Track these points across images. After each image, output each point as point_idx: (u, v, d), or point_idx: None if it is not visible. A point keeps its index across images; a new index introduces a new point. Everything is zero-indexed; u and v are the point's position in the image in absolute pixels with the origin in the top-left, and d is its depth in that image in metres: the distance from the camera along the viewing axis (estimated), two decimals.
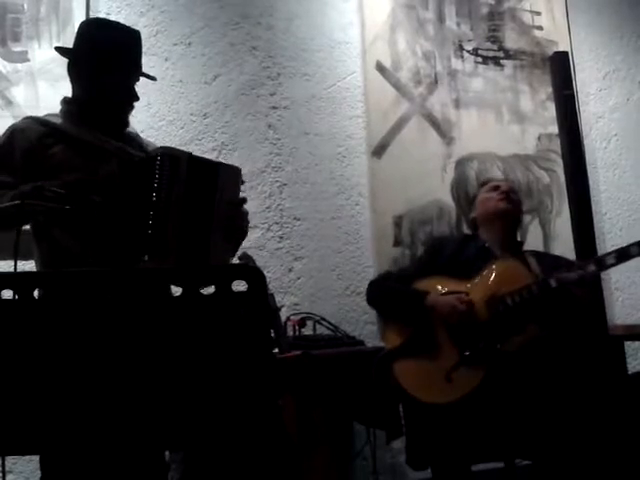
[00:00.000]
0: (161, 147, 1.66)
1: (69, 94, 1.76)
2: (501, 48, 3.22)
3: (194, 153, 1.65)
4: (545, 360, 1.83)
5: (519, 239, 2.21)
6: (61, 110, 1.74)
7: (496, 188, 2.11)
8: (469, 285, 1.95)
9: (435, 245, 2.18)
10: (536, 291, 1.85)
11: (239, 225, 1.71)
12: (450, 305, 1.88)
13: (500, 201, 2.06)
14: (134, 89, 1.73)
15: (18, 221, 1.41)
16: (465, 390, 1.79)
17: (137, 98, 1.74)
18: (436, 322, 1.90)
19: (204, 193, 1.61)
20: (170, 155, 1.58)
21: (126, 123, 1.76)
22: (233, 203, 1.68)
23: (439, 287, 1.95)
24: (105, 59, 1.66)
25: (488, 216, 2.08)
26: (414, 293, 1.96)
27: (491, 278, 1.94)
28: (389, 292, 2.07)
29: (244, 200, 1.72)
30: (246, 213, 1.73)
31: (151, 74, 1.79)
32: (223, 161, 1.70)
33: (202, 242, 1.61)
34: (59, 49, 1.79)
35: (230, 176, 1.68)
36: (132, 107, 1.75)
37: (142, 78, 1.78)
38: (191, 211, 1.59)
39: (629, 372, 2.72)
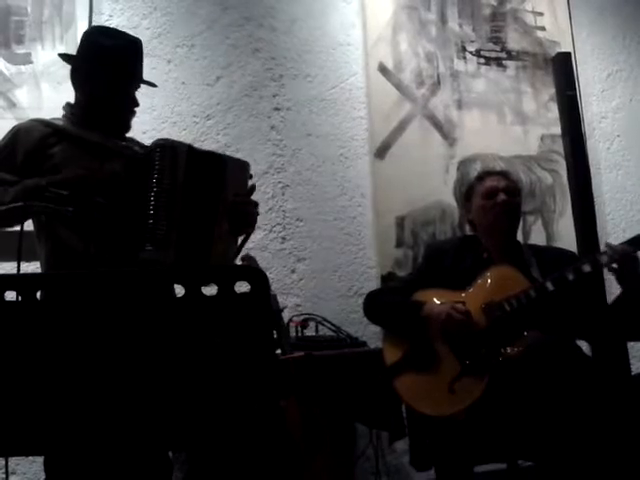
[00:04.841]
0: (160, 139, 1.67)
1: (72, 97, 1.78)
2: (503, 49, 3.22)
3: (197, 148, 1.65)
4: (547, 363, 1.82)
5: (518, 238, 2.13)
6: (64, 115, 1.76)
7: (493, 193, 2.00)
8: (464, 294, 1.93)
9: (432, 254, 2.12)
10: (533, 295, 1.84)
11: (245, 214, 1.69)
12: (446, 314, 1.85)
13: (498, 216, 1.97)
14: (134, 96, 1.75)
15: (20, 220, 1.42)
16: (469, 400, 1.77)
17: (137, 104, 1.77)
18: (434, 333, 1.88)
19: (208, 184, 1.61)
20: (170, 146, 1.59)
21: (128, 127, 1.78)
22: (240, 195, 1.68)
23: (435, 299, 1.93)
24: (106, 67, 1.68)
25: (486, 228, 2.02)
26: (410, 304, 1.94)
27: (487, 285, 1.92)
28: (385, 305, 2.04)
29: (251, 190, 1.71)
30: (255, 204, 1.72)
31: (154, 76, 1.82)
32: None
33: (205, 233, 1.60)
34: (62, 56, 1.82)
35: (237, 169, 1.68)
36: (134, 113, 1.78)
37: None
38: (193, 201, 1.58)
39: (633, 373, 2.71)
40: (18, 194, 1.52)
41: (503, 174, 2.09)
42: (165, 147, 1.58)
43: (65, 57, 1.81)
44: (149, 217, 1.53)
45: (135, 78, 1.76)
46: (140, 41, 1.79)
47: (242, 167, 1.70)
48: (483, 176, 2.08)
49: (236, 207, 1.65)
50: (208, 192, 1.60)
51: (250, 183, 1.72)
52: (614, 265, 1.83)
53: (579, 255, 2.29)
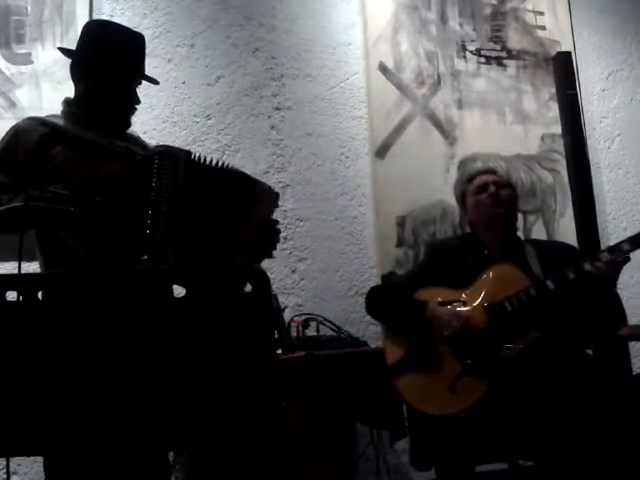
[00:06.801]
0: (161, 145, 1.65)
1: (72, 95, 1.76)
2: (504, 48, 3.22)
3: (196, 154, 1.61)
4: (548, 363, 1.82)
5: (518, 233, 2.16)
6: (62, 111, 1.74)
7: (484, 188, 2.04)
8: (465, 294, 1.93)
9: (434, 252, 2.13)
10: (534, 294, 1.84)
11: (269, 242, 1.68)
12: (446, 322, 1.86)
13: (491, 206, 2.01)
14: (135, 92, 1.73)
15: (23, 223, 1.41)
16: (470, 400, 1.77)
17: (138, 101, 1.74)
18: (436, 333, 1.88)
19: (233, 208, 1.58)
20: (169, 154, 1.57)
21: (128, 124, 1.76)
22: (265, 223, 1.66)
23: (437, 298, 1.93)
24: (107, 60, 1.66)
25: (483, 222, 2.04)
26: (414, 304, 1.94)
27: (488, 284, 1.93)
28: (388, 302, 2.04)
29: (276, 222, 1.71)
30: (278, 231, 1.71)
31: (154, 75, 1.79)
32: (227, 162, 1.67)
33: (227, 259, 1.57)
34: (62, 50, 1.80)
35: (267, 199, 1.66)
36: (134, 109, 1.76)
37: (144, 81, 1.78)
38: (202, 216, 1.56)
39: (634, 373, 2.71)
40: (20, 199, 1.51)
41: (490, 171, 2.14)
42: (164, 154, 1.56)
43: (66, 51, 1.78)
44: (146, 227, 1.51)
45: (138, 74, 1.74)
46: (143, 36, 1.76)
47: (272, 197, 1.69)
48: (472, 176, 2.13)
49: (263, 235, 1.64)
50: (232, 218, 1.58)
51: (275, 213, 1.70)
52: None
53: (579, 250, 2.30)
